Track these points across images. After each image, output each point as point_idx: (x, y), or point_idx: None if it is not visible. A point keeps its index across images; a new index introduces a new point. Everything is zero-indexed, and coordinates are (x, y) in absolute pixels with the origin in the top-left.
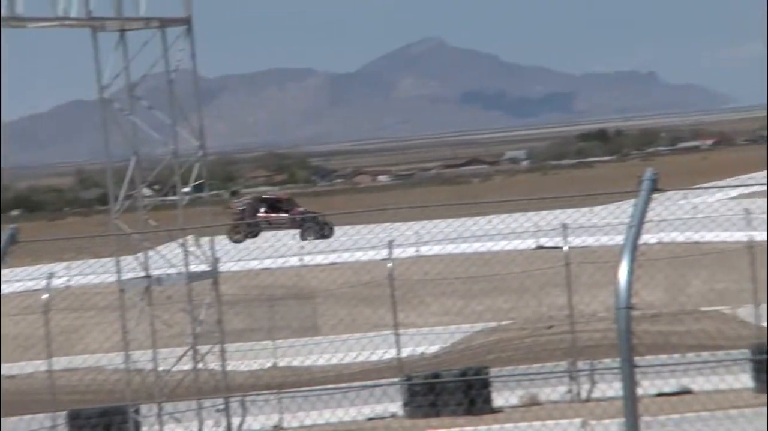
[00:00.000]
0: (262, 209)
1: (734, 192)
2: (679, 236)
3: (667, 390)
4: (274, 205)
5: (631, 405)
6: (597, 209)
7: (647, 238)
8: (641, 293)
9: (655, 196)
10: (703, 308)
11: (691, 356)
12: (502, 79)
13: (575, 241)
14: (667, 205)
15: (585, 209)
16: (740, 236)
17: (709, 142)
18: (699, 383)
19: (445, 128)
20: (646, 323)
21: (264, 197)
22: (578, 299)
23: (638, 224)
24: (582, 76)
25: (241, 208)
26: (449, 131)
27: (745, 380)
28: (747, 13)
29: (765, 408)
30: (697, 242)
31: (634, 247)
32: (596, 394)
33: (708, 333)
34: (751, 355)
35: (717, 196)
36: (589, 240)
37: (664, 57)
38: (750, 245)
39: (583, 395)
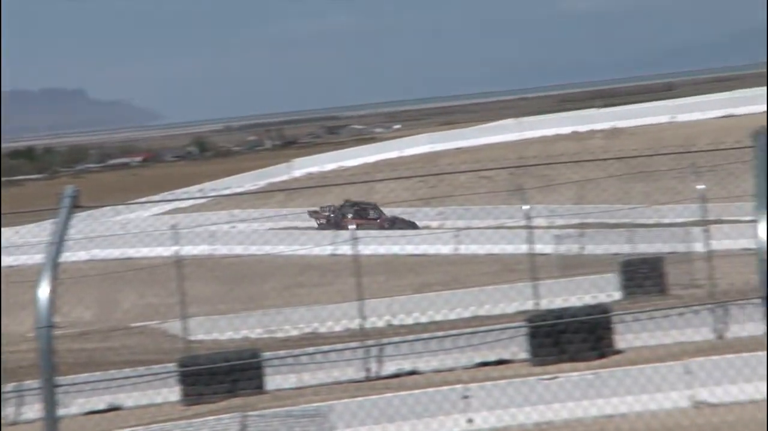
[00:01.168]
0: (349, 215)
1: (156, 208)
2: (107, 253)
3: (96, 408)
4: (360, 210)
5: (50, 426)
6: (21, 228)
7: (79, 256)
8: (72, 312)
9: (81, 213)
10: (133, 324)
11: (120, 372)
12: None
13: (6, 260)
14: (89, 222)
15: (10, 229)
16: (165, 251)
17: (139, 158)
18: (130, 399)
19: None
20: (74, 341)
21: (351, 201)
22: (6, 320)
23: (59, 242)
24: (8, 93)
25: (326, 214)
26: None
27: (170, 394)
28: (174, 29)
29: (191, 420)
30: (128, 259)
31: (55, 264)
32: (26, 416)
33: (136, 349)
34: (177, 368)
35: (138, 212)
36: (9, 260)
37: (93, 73)
38: (177, 260)
39: (11, 418)
